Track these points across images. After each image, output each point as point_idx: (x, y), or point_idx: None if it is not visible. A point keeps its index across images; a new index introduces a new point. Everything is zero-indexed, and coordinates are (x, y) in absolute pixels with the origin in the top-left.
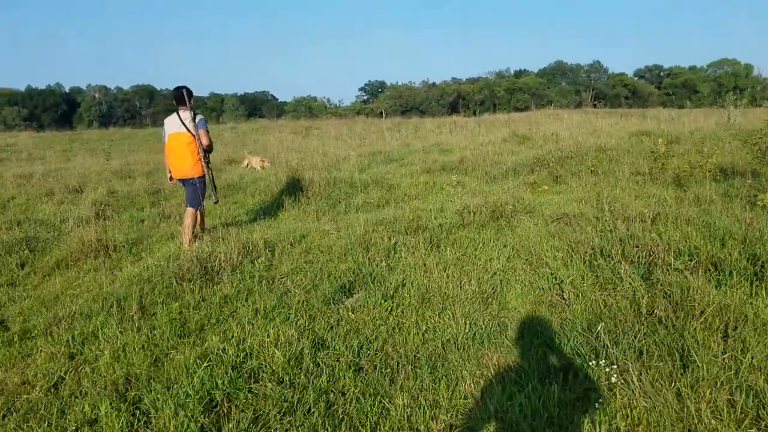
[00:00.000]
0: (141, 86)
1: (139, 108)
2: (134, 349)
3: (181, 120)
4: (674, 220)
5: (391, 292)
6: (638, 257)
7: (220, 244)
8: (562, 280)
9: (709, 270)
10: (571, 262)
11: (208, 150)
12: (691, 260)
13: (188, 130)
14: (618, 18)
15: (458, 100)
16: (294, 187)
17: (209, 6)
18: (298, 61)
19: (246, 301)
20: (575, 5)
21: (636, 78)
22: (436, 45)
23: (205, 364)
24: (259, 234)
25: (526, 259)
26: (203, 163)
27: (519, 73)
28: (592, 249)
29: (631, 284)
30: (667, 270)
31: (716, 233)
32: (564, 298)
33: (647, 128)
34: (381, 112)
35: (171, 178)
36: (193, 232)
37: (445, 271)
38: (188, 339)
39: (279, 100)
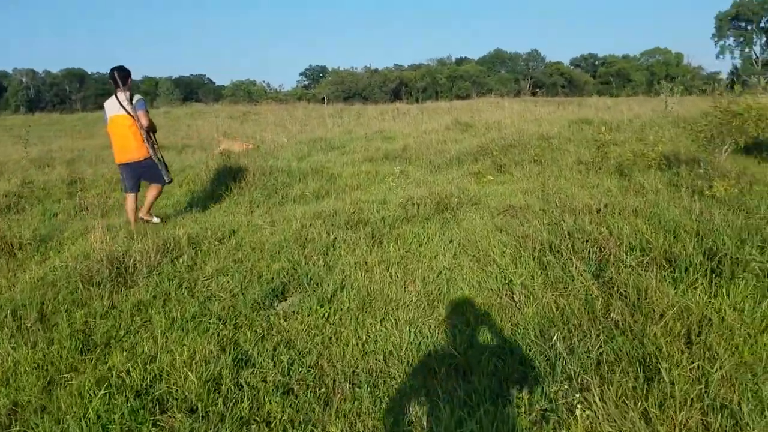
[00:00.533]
0: (71, 70)
1: (69, 92)
2: (26, 369)
3: (120, 102)
4: (621, 211)
5: (329, 296)
6: (589, 253)
7: (136, 241)
8: (512, 280)
9: (664, 266)
10: (520, 259)
11: (151, 130)
12: (643, 256)
13: (127, 112)
14: (555, 7)
15: (401, 86)
16: (226, 177)
17: None
18: (236, 44)
19: (162, 307)
20: None
21: (572, 67)
22: (379, 31)
23: (102, 391)
24: (183, 229)
25: (474, 256)
26: (148, 144)
27: (460, 61)
28: (541, 244)
29: (583, 283)
30: (620, 267)
31: (667, 226)
32: (514, 301)
33: (586, 116)
34: (323, 98)
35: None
36: (151, 203)
37: (387, 271)
38: (91, 355)
39: (216, 84)
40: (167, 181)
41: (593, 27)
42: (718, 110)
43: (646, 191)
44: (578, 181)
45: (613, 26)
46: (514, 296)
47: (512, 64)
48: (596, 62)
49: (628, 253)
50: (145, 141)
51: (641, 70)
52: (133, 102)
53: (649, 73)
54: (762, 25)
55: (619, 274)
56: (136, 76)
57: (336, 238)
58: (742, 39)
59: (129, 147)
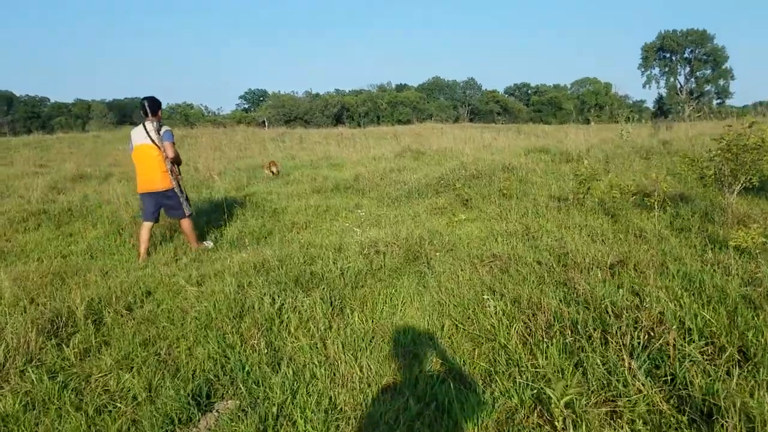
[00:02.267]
0: None
1: None
2: None
3: (147, 131)
4: (638, 265)
5: (274, 412)
6: (630, 338)
7: (13, 315)
8: (538, 388)
9: (740, 363)
10: (537, 344)
11: (176, 162)
12: (707, 344)
13: (153, 142)
14: (490, 38)
15: (342, 111)
16: None
17: (76, 7)
18: (172, 67)
19: (35, 426)
20: (450, 24)
21: (507, 95)
22: (319, 56)
23: None
24: (83, 291)
25: (468, 333)
26: (171, 176)
27: (400, 87)
28: (559, 320)
29: (642, 392)
30: (680, 361)
31: (705, 290)
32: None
33: (541, 145)
34: (263, 121)
35: None
36: (194, 234)
37: (356, 361)
38: None
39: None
40: (187, 214)
41: (526, 57)
42: (728, 143)
43: (648, 237)
44: (562, 221)
45: (545, 57)
46: (555, 422)
47: (450, 92)
48: (529, 91)
49: (686, 339)
50: (170, 172)
51: (572, 99)
52: (161, 132)
53: (579, 101)
54: (686, 55)
55: (689, 374)
56: (67, 98)
57: (283, 304)
58: (667, 69)
59: (153, 177)
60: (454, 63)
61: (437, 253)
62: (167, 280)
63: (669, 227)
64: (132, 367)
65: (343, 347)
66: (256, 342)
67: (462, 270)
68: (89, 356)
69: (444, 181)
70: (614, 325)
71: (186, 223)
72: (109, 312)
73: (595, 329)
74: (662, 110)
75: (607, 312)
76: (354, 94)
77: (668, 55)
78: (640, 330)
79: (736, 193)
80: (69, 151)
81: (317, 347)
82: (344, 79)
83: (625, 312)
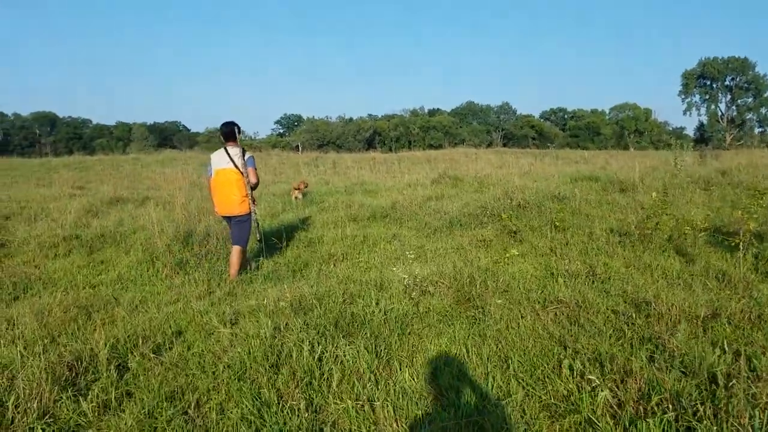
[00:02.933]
0: (41, 113)
1: (39, 136)
2: None
3: (230, 156)
4: (731, 318)
5: None
6: (746, 415)
7: (24, 362)
8: None
9: None
10: (632, 421)
11: (253, 188)
12: None
13: (236, 167)
14: (526, 62)
15: (374, 135)
16: (185, 242)
17: (118, 33)
18: (211, 92)
19: None
20: (486, 48)
21: (542, 120)
22: (352, 82)
23: None
24: (107, 331)
25: (544, 403)
26: (251, 201)
27: (432, 112)
28: (651, 388)
29: None
30: None
31: None
32: None
33: (584, 171)
34: (297, 146)
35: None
36: (240, 268)
37: None
38: None
39: (191, 131)
40: (258, 239)
41: (563, 82)
42: None
43: (734, 283)
44: (629, 260)
45: (582, 82)
46: None
47: (484, 116)
48: (566, 116)
49: None
50: (249, 197)
51: (610, 124)
52: (245, 158)
53: (618, 127)
54: (727, 83)
55: None
56: (109, 121)
57: (324, 352)
58: (707, 96)
59: (232, 201)
60: (489, 87)
61: (492, 296)
62: (199, 318)
63: (753, 270)
64: (155, 427)
65: (394, 412)
66: (295, 401)
67: (522, 317)
68: (109, 411)
69: (488, 211)
70: (723, 398)
71: (240, 252)
72: (134, 355)
73: (701, 402)
74: (703, 137)
75: (714, 381)
76: (386, 118)
77: (709, 83)
78: (759, 407)
79: None
80: (108, 173)
81: (364, 410)
82: (377, 104)
83: (735, 381)
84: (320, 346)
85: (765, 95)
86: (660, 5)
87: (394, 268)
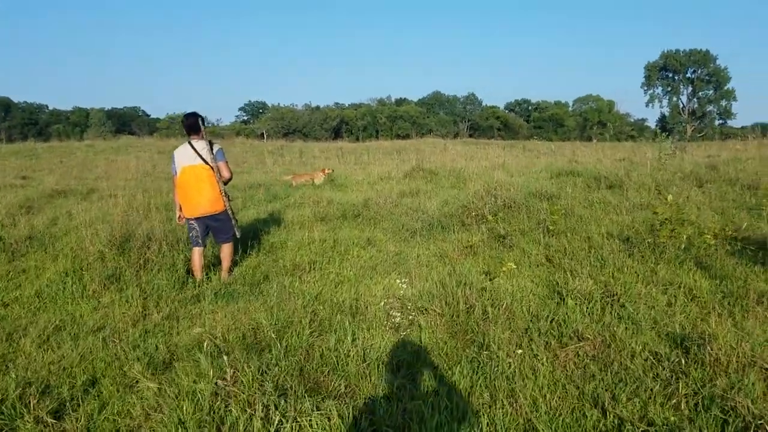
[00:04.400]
0: None
1: None
2: None
3: (196, 150)
4: None
5: None
6: None
7: None
8: None
9: None
10: None
11: (226, 182)
12: None
13: (205, 162)
14: (490, 53)
15: (341, 124)
16: (121, 248)
17: (78, 15)
18: (173, 77)
19: None
20: (451, 38)
21: (507, 111)
22: (319, 69)
23: None
24: (2, 377)
25: None
26: (225, 197)
27: (400, 102)
28: None
29: None
30: None
31: None
32: None
33: (563, 165)
34: (262, 134)
35: (180, 217)
36: (231, 262)
37: None
38: None
39: (152, 117)
40: (238, 235)
41: (527, 73)
42: None
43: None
44: (643, 275)
45: (546, 73)
46: None
47: (450, 106)
48: (530, 107)
49: None
50: (222, 193)
51: (574, 116)
52: (213, 151)
53: (582, 118)
54: (688, 75)
55: None
56: (66, 106)
57: (282, 423)
58: (669, 88)
59: (205, 199)
60: (455, 78)
61: (494, 326)
62: (123, 356)
63: None
64: None
65: None
66: None
67: (537, 357)
68: None
69: (470, 211)
70: None
71: (230, 249)
72: (26, 420)
73: None
74: (665, 129)
75: None
76: (354, 107)
77: (671, 75)
78: None
79: None
80: (58, 161)
81: None
82: (344, 93)
83: None
84: (278, 412)
85: (725, 88)
86: None
87: (372, 284)
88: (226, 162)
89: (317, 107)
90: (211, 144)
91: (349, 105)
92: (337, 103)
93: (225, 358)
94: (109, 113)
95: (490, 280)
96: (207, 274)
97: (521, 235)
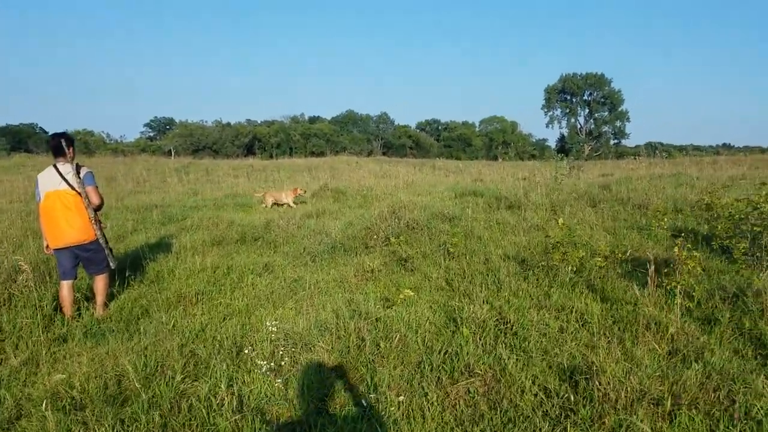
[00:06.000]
0: None
1: None
2: None
3: (61, 175)
4: (693, 403)
5: None
6: None
7: None
8: None
9: None
10: None
11: (98, 209)
12: None
13: (71, 187)
14: (401, 73)
15: (254, 141)
16: None
17: None
18: (72, 91)
19: None
20: (363, 62)
21: (418, 130)
22: (230, 86)
23: None
24: None
25: None
26: (95, 225)
27: (313, 119)
28: None
29: None
30: None
31: None
32: None
33: (467, 185)
34: (169, 150)
35: (47, 247)
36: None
37: None
38: None
39: (48, 133)
40: (112, 267)
41: (436, 94)
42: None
43: (676, 338)
44: (537, 299)
45: (454, 94)
46: None
47: (363, 125)
48: (439, 127)
49: None
50: (92, 221)
51: (480, 136)
52: (81, 175)
53: (488, 138)
54: (585, 98)
55: None
56: None
57: None
58: (568, 110)
59: (72, 228)
60: (368, 97)
61: (385, 360)
62: None
63: (688, 316)
64: None
65: None
66: None
67: (428, 401)
68: None
69: (374, 233)
70: None
71: (104, 281)
72: None
73: None
74: (564, 149)
75: None
76: (266, 124)
77: (569, 97)
78: None
79: None
80: None
81: None
82: (256, 110)
83: None
84: None
85: (619, 109)
86: (525, 24)
87: (265, 316)
88: (96, 187)
89: (228, 124)
90: (78, 167)
91: (262, 122)
92: (249, 120)
93: (78, 414)
94: (3, 130)
95: (388, 308)
96: (79, 310)
97: (423, 257)
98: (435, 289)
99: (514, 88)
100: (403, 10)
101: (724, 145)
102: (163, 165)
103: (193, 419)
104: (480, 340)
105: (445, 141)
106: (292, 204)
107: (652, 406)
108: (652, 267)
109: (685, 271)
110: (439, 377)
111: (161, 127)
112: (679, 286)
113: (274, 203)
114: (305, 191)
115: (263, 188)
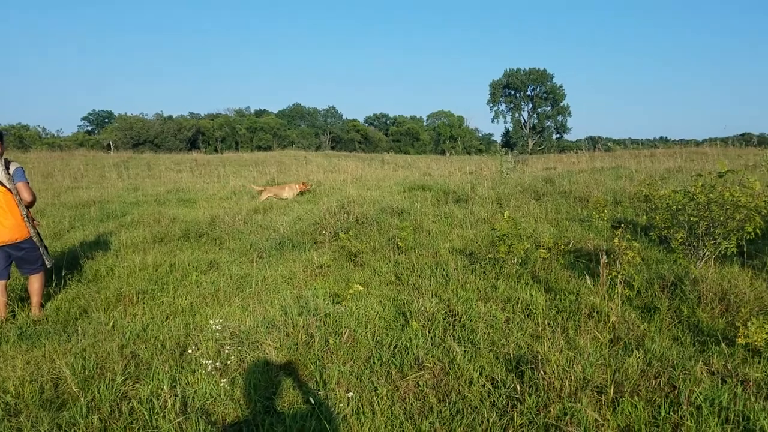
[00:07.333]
0: None
1: None
2: None
3: None
4: (635, 390)
5: None
6: None
7: None
8: None
9: None
10: None
11: (30, 206)
12: None
13: (1, 184)
14: (349, 66)
15: (198, 135)
16: None
17: None
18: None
19: None
20: (310, 54)
21: (367, 125)
22: (171, 77)
23: None
24: None
25: None
26: (28, 223)
27: (259, 113)
28: None
29: None
30: None
31: None
32: None
33: (416, 180)
34: (108, 144)
35: None
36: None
37: None
38: None
39: None
40: (48, 265)
41: (384, 88)
42: (706, 198)
43: (617, 326)
44: (484, 291)
45: (402, 88)
46: None
47: (311, 119)
48: (388, 121)
49: None
50: (25, 218)
51: (428, 130)
52: (11, 171)
53: (435, 133)
54: (528, 93)
55: None
56: None
57: None
58: (512, 105)
59: (3, 226)
60: (315, 91)
61: (334, 356)
62: None
63: (628, 305)
64: None
65: None
66: None
67: (378, 396)
68: None
69: (323, 228)
70: None
71: (39, 281)
72: None
73: None
74: (509, 143)
75: None
76: (210, 117)
77: (513, 92)
78: None
79: (704, 260)
80: None
81: None
82: (199, 102)
83: None
84: None
85: (561, 104)
86: (469, 17)
87: (210, 314)
88: (27, 183)
89: (170, 117)
90: (7, 163)
91: (206, 115)
92: (192, 113)
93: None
94: None
95: (337, 303)
96: (13, 312)
97: (372, 252)
98: (385, 284)
99: (462, 82)
100: (349, 4)
101: (660, 138)
102: (102, 160)
103: (134, 422)
104: (429, 333)
105: (394, 135)
106: (284, 196)
107: (595, 393)
108: (604, 258)
109: (625, 261)
110: (388, 371)
111: (100, 120)
112: (619, 276)
113: (275, 197)
114: (312, 186)
115: (261, 185)
